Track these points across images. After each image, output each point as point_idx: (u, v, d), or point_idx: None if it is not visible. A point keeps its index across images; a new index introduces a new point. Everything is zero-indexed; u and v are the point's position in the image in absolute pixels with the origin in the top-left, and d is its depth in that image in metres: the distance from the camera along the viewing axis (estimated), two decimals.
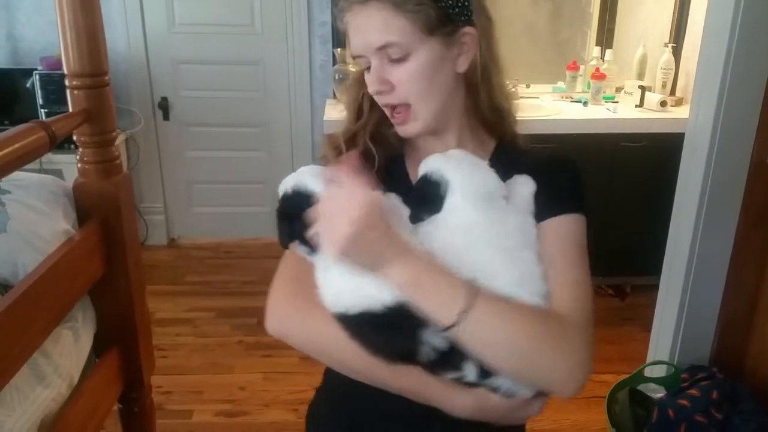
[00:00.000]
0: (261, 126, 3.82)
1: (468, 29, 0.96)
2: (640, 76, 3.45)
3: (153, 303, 3.11)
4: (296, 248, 0.91)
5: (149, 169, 3.83)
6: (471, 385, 0.88)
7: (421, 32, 0.92)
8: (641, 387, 2.25)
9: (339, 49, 3.31)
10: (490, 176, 0.94)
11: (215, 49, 3.65)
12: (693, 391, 2.03)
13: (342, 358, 0.93)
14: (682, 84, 3.31)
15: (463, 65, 0.98)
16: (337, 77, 3.30)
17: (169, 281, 3.51)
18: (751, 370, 2.17)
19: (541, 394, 0.91)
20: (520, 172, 0.98)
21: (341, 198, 0.83)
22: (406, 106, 0.97)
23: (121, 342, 1.60)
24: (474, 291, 0.83)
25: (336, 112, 3.11)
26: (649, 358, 2.36)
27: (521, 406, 0.91)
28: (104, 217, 1.49)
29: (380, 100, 0.99)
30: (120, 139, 3.51)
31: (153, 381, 1.79)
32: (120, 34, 3.54)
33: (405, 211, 0.93)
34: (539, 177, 0.97)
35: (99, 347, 1.56)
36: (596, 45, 3.56)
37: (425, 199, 0.92)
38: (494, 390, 0.88)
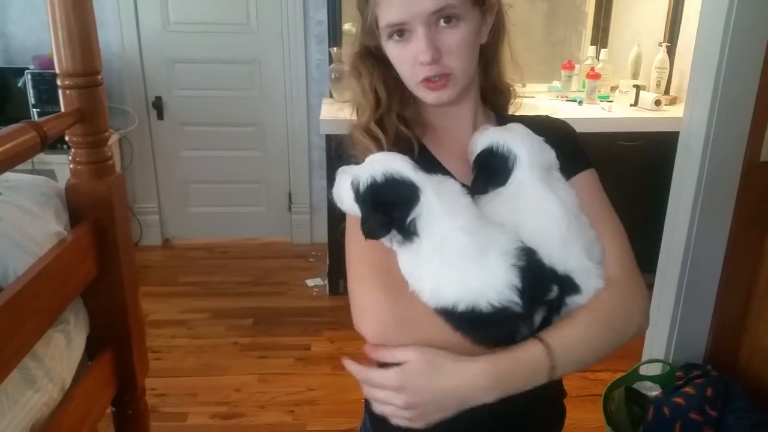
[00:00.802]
0: (257, 125, 3.81)
1: (494, 0, 0.99)
2: (635, 75, 3.46)
3: (147, 304, 3.11)
4: (389, 239, 0.90)
5: (143, 168, 3.82)
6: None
7: (471, 0, 0.94)
8: (637, 385, 2.25)
9: (335, 48, 3.31)
10: (549, 150, 0.97)
11: (210, 48, 3.64)
12: (688, 389, 2.03)
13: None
14: (677, 83, 3.32)
15: (485, 35, 1.01)
16: (333, 76, 3.30)
17: (163, 282, 3.49)
18: (744, 367, 2.18)
19: None
20: None
21: (389, 380, 0.87)
22: (447, 74, 0.96)
23: (115, 344, 1.58)
24: (544, 342, 0.88)
25: (332, 112, 3.10)
26: (645, 357, 2.36)
27: None
28: (97, 218, 1.48)
29: (425, 70, 0.95)
30: (113, 139, 3.50)
31: (147, 383, 1.78)
32: (114, 33, 3.53)
33: (464, 194, 0.91)
34: (549, 142, 0.99)
35: (92, 350, 1.54)
36: (591, 44, 3.56)
37: (491, 171, 0.94)
38: None
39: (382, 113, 1.02)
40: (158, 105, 3.71)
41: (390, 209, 0.86)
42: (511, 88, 1.12)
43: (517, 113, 1.15)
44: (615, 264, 0.96)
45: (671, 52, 3.31)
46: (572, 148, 1.04)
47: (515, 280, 0.85)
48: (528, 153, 0.93)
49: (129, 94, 3.65)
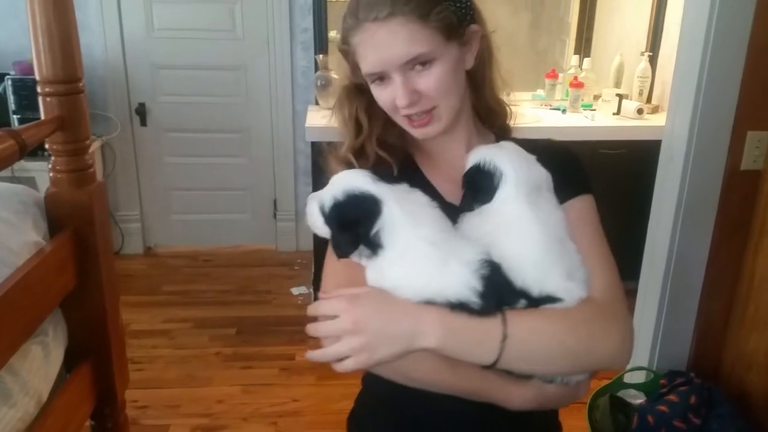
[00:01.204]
0: (242, 132, 3.80)
1: (474, 27, 1.00)
2: (617, 84, 3.48)
3: (128, 314, 3.07)
4: (358, 255, 0.91)
5: (126, 175, 3.78)
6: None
7: (443, 38, 0.95)
8: (621, 393, 2.25)
9: (321, 56, 3.30)
10: (540, 169, 0.96)
11: (195, 54, 3.62)
12: (672, 397, 2.04)
13: (415, 371, 0.92)
14: (659, 92, 3.35)
15: (470, 62, 1.02)
16: (319, 83, 3.29)
17: (145, 291, 3.45)
18: (728, 373, 2.19)
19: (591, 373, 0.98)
20: None
21: (338, 312, 0.87)
22: (430, 110, 0.98)
23: (94, 356, 1.56)
24: (503, 316, 0.86)
25: (318, 119, 3.09)
26: (629, 364, 2.36)
27: (575, 388, 0.97)
28: (77, 227, 1.46)
29: (407, 111, 0.98)
30: (96, 146, 3.47)
31: (128, 395, 1.75)
32: (97, 38, 3.50)
33: (431, 206, 0.92)
34: (547, 164, 0.99)
35: (70, 362, 1.51)
36: (574, 54, 3.59)
37: (477, 188, 0.94)
38: (551, 381, 0.93)
39: (363, 139, 1.05)
40: (142, 111, 3.68)
41: (355, 226, 0.87)
42: (506, 106, 1.13)
43: (517, 133, 1.16)
44: (600, 289, 0.95)
45: (653, 61, 3.34)
46: (571, 172, 1.05)
47: (475, 283, 0.85)
48: (514, 170, 0.93)
49: (112, 101, 3.62)
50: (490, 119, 1.13)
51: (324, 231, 0.92)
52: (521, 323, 0.87)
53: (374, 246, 0.87)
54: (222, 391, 2.63)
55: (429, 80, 0.95)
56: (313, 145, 3.08)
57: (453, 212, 0.96)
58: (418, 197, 0.92)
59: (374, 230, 0.86)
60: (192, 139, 3.79)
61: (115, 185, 3.76)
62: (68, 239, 1.43)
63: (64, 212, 1.46)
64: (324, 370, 2.75)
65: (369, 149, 1.05)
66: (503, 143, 1.00)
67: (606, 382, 2.25)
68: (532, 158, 0.97)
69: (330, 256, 0.96)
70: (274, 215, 3.93)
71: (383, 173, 0.93)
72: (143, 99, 3.67)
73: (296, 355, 2.84)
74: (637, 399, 2.24)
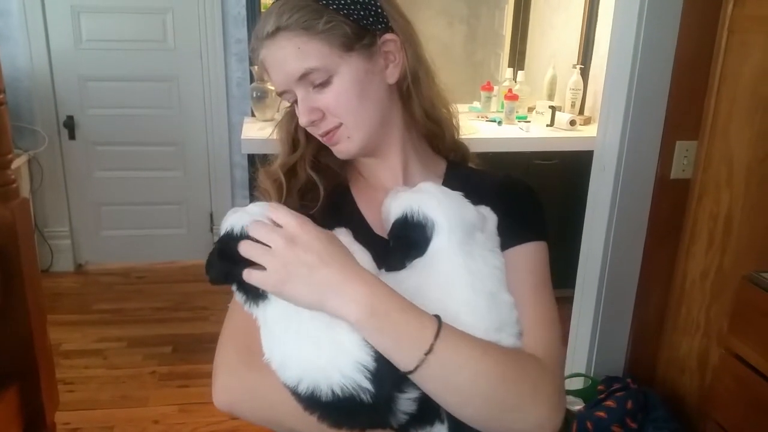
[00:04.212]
0: (176, 144, 3.72)
1: (388, 36, 0.92)
2: (551, 96, 3.57)
3: (59, 333, 2.96)
4: (235, 293, 0.83)
5: (54, 191, 3.64)
6: None
7: (339, 50, 0.88)
8: None
9: (256, 67, 3.27)
10: (469, 209, 0.86)
11: (125, 66, 3.53)
12: (609, 402, 2.08)
13: (297, 430, 0.83)
14: (590, 104, 3.45)
15: (392, 76, 0.94)
16: (254, 95, 3.25)
17: (76, 310, 3.33)
18: (662, 377, 2.25)
19: None
20: (478, 196, 0.90)
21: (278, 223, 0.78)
22: (337, 126, 0.92)
23: (21, 378, 1.50)
24: (439, 327, 0.75)
25: (254, 131, 3.06)
26: (567, 371, 2.40)
27: None
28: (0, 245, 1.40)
29: (315, 130, 0.94)
30: (21, 161, 3.33)
31: (60, 417, 1.69)
32: (21, 49, 3.37)
33: (364, 254, 0.83)
34: (500, 202, 0.93)
35: None
36: (509, 66, 3.66)
37: (407, 243, 0.84)
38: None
39: (297, 158, 1.00)
40: (70, 124, 3.56)
41: (235, 263, 0.78)
42: (451, 122, 1.05)
43: (473, 161, 1.09)
44: (538, 347, 0.84)
45: (585, 74, 3.44)
46: (526, 216, 0.96)
47: (367, 359, 0.74)
48: (447, 217, 0.83)
49: (39, 113, 3.49)
50: (434, 140, 1.05)
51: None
52: (454, 343, 0.75)
53: (255, 295, 0.79)
54: (158, 411, 2.55)
55: (327, 96, 0.89)
56: (250, 157, 3.04)
57: (380, 246, 0.88)
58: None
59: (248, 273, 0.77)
60: (123, 152, 3.69)
61: (43, 201, 3.63)
62: None
63: None
64: None
65: (300, 169, 0.99)
66: (423, 186, 0.89)
67: None
68: (459, 196, 0.87)
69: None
70: (211, 229, 3.85)
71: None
72: (72, 111, 3.55)
73: None
74: (576, 405, 2.28)
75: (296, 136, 1.01)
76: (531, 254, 0.92)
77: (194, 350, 2.94)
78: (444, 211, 0.83)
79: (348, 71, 0.89)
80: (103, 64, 3.52)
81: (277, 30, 0.87)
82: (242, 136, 3.08)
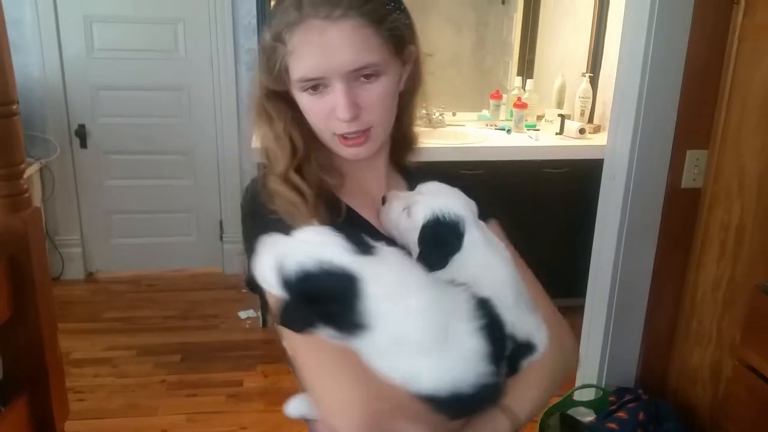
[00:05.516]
0: (186, 153, 3.73)
1: (412, 48, 0.93)
2: (560, 104, 3.56)
3: (69, 342, 2.96)
4: (317, 332, 0.78)
5: (65, 199, 3.66)
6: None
7: (393, 51, 0.88)
8: (572, 411, 2.28)
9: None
10: (470, 201, 0.92)
11: (137, 75, 3.55)
12: (621, 414, 2.06)
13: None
14: (600, 112, 3.44)
15: (403, 84, 0.95)
16: None
17: (86, 318, 3.34)
18: (674, 388, 2.24)
19: None
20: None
21: None
22: (366, 129, 0.90)
23: (31, 387, 1.50)
24: (509, 414, 0.85)
25: None
26: (578, 382, 2.39)
27: None
28: (11, 254, 1.41)
29: (342, 128, 0.89)
30: (33, 169, 3.35)
31: (69, 426, 1.69)
32: (35, 59, 3.40)
33: (409, 264, 0.84)
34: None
35: (6, 394, 1.45)
36: (517, 75, 3.66)
37: (443, 243, 0.87)
38: None
39: (301, 161, 0.94)
40: (81, 133, 3.58)
41: (320, 303, 0.76)
42: (417, 136, 1.06)
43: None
44: (544, 313, 0.92)
45: (594, 82, 3.43)
46: (477, 197, 0.96)
47: (483, 346, 0.80)
48: (469, 211, 0.89)
49: (51, 122, 3.51)
50: (399, 149, 1.04)
51: (275, 291, 0.79)
52: (524, 407, 0.87)
53: (354, 327, 0.76)
54: (167, 421, 2.55)
55: (372, 94, 0.87)
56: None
57: (381, 240, 0.86)
58: (395, 259, 0.82)
59: (355, 313, 0.75)
60: (134, 161, 3.70)
61: (55, 209, 3.65)
62: (2, 267, 1.38)
63: None
64: (273, 396, 2.72)
65: (308, 173, 0.93)
66: (431, 186, 0.92)
67: (556, 400, 2.27)
68: (459, 191, 0.93)
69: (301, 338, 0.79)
70: (221, 237, 3.86)
71: (352, 237, 0.80)
72: (83, 120, 3.58)
73: (244, 381, 2.78)
74: (587, 417, 2.27)
75: (291, 134, 0.95)
76: (498, 230, 0.98)
77: (204, 359, 2.94)
78: (464, 206, 0.90)
79: (392, 73, 0.89)
80: (114, 73, 3.54)
81: (346, 15, 0.82)
82: (253, 145, 3.08)
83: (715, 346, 2.04)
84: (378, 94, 0.88)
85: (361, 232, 0.86)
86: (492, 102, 3.58)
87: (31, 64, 3.38)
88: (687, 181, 2.08)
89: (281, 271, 0.77)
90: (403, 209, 0.91)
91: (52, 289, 1.59)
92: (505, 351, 0.83)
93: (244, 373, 2.83)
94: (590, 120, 3.43)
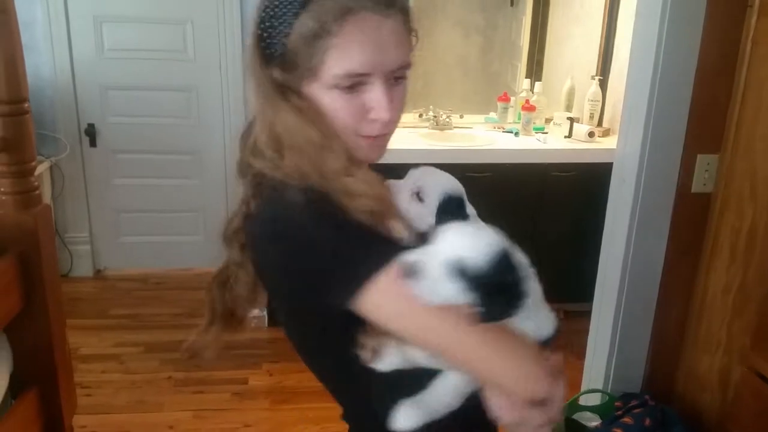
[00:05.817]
0: (194, 153, 3.75)
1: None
2: (569, 107, 3.55)
3: (77, 338, 2.98)
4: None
5: (75, 197, 3.69)
6: None
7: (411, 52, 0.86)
8: (577, 416, 2.27)
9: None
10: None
11: (146, 75, 3.58)
12: (627, 419, 2.05)
13: None
14: (609, 115, 3.43)
15: None
16: None
17: (94, 315, 3.36)
18: (681, 394, 2.22)
19: None
20: None
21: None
22: (388, 132, 0.88)
23: (40, 382, 1.51)
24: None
25: None
26: (584, 387, 2.38)
27: None
28: (22, 250, 1.41)
29: (375, 128, 0.84)
30: (44, 167, 3.37)
31: (77, 421, 1.70)
32: (45, 59, 3.42)
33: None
34: None
35: (15, 388, 1.46)
36: (526, 77, 3.65)
37: (455, 215, 0.89)
38: None
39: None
40: (91, 132, 3.60)
41: (512, 285, 0.76)
42: None
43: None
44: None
45: (603, 85, 3.42)
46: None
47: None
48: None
49: (61, 121, 3.54)
50: None
51: (451, 297, 0.74)
52: None
53: (525, 297, 0.77)
54: (173, 417, 2.56)
55: (399, 96, 0.84)
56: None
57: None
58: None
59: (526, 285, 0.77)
60: (142, 160, 3.72)
61: (64, 207, 3.67)
62: (13, 262, 1.39)
63: (8, 235, 1.41)
64: (277, 395, 2.73)
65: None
66: (430, 168, 0.94)
67: None
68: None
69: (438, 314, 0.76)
70: None
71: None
72: (93, 120, 3.60)
73: (249, 378, 2.79)
74: (593, 422, 2.26)
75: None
76: None
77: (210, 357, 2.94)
78: (452, 178, 0.95)
79: (408, 74, 0.86)
80: (124, 73, 3.56)
81: (394, 12, 0.79)
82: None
83: (724, 352, 2.03)
84: (403, 95, 0.86)
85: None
86: (500, 104, 3.57)
87: (42, 65, 3.41)
88: (697, 186, 2.07)
89: (464, 271, 0.73)
90: (410, 195, 0.91)
91: (61, 286, 1.60)
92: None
93: (249, 371, 2.85)
94: (599, 123, 3.42)
